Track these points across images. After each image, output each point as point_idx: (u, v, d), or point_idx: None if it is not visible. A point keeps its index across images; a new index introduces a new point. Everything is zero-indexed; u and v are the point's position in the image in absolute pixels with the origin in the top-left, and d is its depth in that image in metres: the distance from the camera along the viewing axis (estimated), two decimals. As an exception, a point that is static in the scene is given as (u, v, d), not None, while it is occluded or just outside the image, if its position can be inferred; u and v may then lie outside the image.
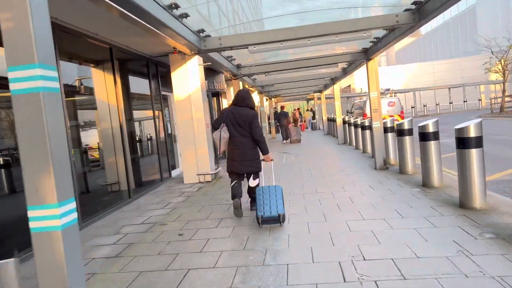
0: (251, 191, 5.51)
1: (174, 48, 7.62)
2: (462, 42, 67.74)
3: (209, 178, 8.60)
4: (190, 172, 8.62)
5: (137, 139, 8.83)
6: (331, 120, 20.96)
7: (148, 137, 9.11)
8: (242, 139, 5.25)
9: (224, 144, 5.25)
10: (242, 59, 8.39)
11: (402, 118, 18.19)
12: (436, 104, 38.13)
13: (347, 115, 21.09)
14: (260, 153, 5.39)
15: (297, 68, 8.58)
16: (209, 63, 8.10)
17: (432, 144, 6.30)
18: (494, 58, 25.99)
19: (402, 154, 7.68)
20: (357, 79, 52.44)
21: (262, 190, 5.01)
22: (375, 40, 7.43)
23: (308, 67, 8.53)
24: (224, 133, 5.19)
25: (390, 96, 18.64)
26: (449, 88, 42.49)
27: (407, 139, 7.60)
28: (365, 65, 9.93)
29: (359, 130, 13.01)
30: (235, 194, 5.34)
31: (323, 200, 6.03)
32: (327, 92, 22.58)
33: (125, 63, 8.13)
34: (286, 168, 9.85)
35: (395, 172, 7.98)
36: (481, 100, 39.06)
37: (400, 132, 7.65)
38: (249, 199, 5.81)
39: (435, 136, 6.33)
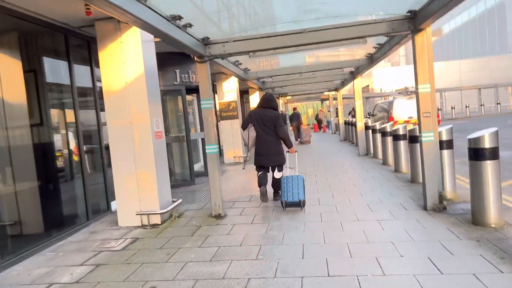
0: (276, 183, 6.22)
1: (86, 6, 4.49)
2: (490, 40, 63.28)
3: (157, 219, 5.43)
4: (128, 208, 5.46)
5: (55, 155, 5.74)
6: (349, 124, 17.61)
7: (82, 150, 6.02)
8: (268, 137, 6.02)
9: (252, 141, 6.07)
10: (210, 29, 5.21)
11: (438, 123, 14.71)
12: (466, 107, 34.25)
13: (368, 117, 17.74)
14: (286, 147, 6.20)
15: (301, 45, 5.33)
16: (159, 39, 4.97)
17: None
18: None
19: (479, 191, 4.38)
20: (376, 79, 48.73)
21: (286, 178, 5.88)
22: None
23: (319, 43, 5.26)
24: (252, 132, 6.01)
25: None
26: (479, 89, 38.54)
27: (488, 165, 4.30)
28: (398, 46, 6.63)
29: (388, 139, 9.68)
30: (261, 182, 6.20)
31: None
32: (344, 91, 19.28)
33: (19, 35, 5.05)
34: (285, 197, 6.62)
35: (462, 218, 4.68)
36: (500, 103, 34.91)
37: (476, 153, 4.35)
38: (273, 191, 6.42)
39: None
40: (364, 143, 12.17)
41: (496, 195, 4.31)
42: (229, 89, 12.11)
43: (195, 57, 5.55)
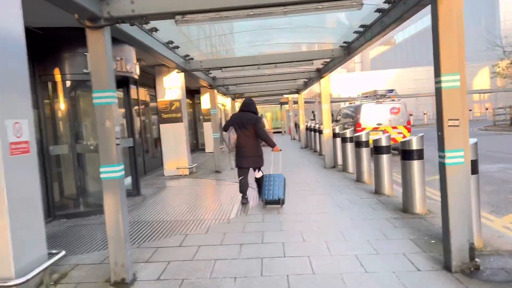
0: (258, 180, 6.44)
1: None
2: (442, 49, 64.88)
3: (9, 295, 3.16)
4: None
5: None
6: (311, 130, 15.88)
7: None
8: (248, 140, 6.24)
9: (233, 143, 6.34)
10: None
11: (409, 131, 13.30)
12: (424, 114, 33.89)
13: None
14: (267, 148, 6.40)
15: (258, 6, 3.30)
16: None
17: None
18: (505, 60, 21.75)
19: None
20: (334, 85, 48.09)
21: (268, 177, 6.20)
22: None
23: (287, 4, 3.25)
24: (232, 134, 6.32)
25: (393, 100, 13.69)
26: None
27: None
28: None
29: (364, 150, 7.90)
30: (244, 189, 6.35)
31: None
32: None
33: None
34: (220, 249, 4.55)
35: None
36: (471, 110, 35.16)
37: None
38: (257, 188, 6.62)
39: None
40: (331, 153, 10.37)
41: None
42: (172, 85, 9.90)
43: (85, 21, 3.34)
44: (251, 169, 6.39)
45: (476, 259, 3.39)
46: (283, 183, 6.06)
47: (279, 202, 5.95)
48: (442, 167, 3.41)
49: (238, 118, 6.30)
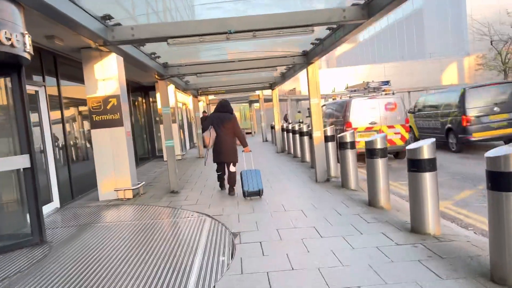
0: (230, 177, 6.99)
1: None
2: (408, 45, 64.65)
3: None
4: None
5: None
6: (289, 131, 13.47)
7: None
8: (225, 137, 6.86)
9: (212, 140, 6.85)
10: None
11: (407, 130, 11.12)
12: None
13: (300, 123, 13.82)
14: (242, 146, 7.16)
15: None
16: None
17: None
18: (492, 50, 20.21)
19: None
20: (303, 82, 46.18)
21: (246, 172, 6.63)
22: None
23: None
24: (212, 132, 6.81)
25: (386, 93, 11.45)
26: (409, 92, 37.27)
27: None
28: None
29: (380, 162, 5.57)
30: (221, 179, 7.40)
31: None
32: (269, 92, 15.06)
33: None
34: None
35: None
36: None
37: None
38: (229, 187, 7.05)
39: None
40: (324, 163, 7.93)
41: None
42: (106, 76, 7.14)
43: None
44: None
45: None
46: (260, 176, 6.56)
47: (259, 193, 6.45)
48: None
49: (217, 118, 6.92)
